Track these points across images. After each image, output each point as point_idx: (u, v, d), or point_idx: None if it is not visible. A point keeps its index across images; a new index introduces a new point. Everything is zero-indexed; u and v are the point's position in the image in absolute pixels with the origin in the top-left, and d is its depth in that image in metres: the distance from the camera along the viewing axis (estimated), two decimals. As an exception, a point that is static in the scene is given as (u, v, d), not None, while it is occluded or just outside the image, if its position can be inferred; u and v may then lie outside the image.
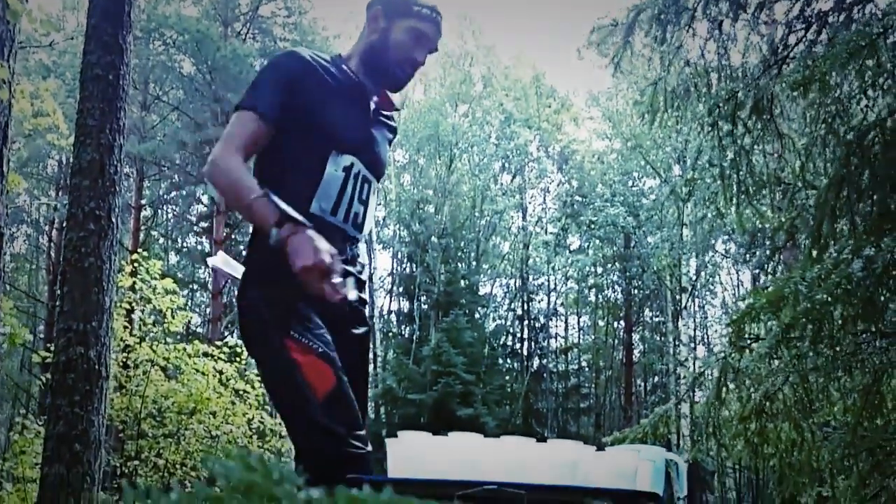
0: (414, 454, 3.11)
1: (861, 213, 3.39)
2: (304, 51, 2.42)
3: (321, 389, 2.13)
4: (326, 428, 2.12)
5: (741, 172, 4.51)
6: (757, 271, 20.58)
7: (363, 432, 2.21)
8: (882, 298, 1.24)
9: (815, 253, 3.61)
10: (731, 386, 4.81)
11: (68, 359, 6.21)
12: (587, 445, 3.36)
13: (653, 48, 4.53)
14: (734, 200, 4.59)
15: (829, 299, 1.28)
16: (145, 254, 10.67)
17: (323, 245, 2.05)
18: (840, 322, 1.30)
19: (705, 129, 4.35)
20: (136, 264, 10.30)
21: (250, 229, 2.39)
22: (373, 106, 2.47)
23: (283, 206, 2.11)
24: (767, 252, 5.04)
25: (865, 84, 3.65)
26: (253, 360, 2.43)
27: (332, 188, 2.32)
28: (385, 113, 2.55)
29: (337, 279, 2.04)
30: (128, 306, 10.32)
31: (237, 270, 2.45)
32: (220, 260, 2.55)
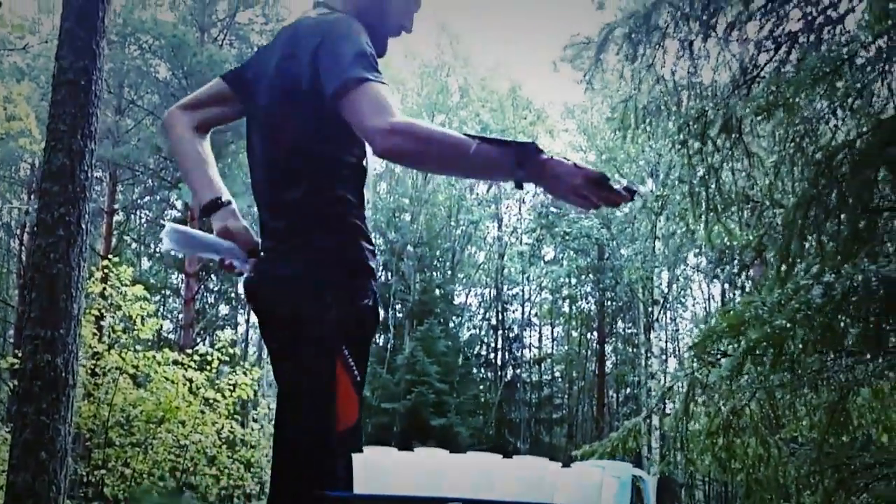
0: (380, 470, 3.12)
1: (829, 233, 3.43)
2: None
3: (343, 421, 1.97)
4: (329, 468, 1.97)
5: (710, 190, 4.55)
6: (726, 286, 20.77)
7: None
8: (842, 324, 1.26)
9: (783, 271, 3.66)
10: (699, 401, 4.84)
11: (35, 366, 6.14)
12: (552, 462, 3.38)
13: (624, 65, 4.57)
14: (703, 217, 4.63)
15: (789, 325, 1.30)
16: (116, 260, 10.59)
17: (574, 162, 1.87)
18: (801, 345, 1.32)
19: (675, 147, 4.40)
20: (106, 270, 10.21)
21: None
22: None
23: (507, 140, 1.87)
24: (736, 269, 5.10)
25: (833, 105, 3.71)
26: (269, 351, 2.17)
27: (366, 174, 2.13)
28: None
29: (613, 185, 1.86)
30: (97, 313, 10.22)
31: (194, 246, 2.18)
32: (171, 235, 2.14)
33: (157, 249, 28.07)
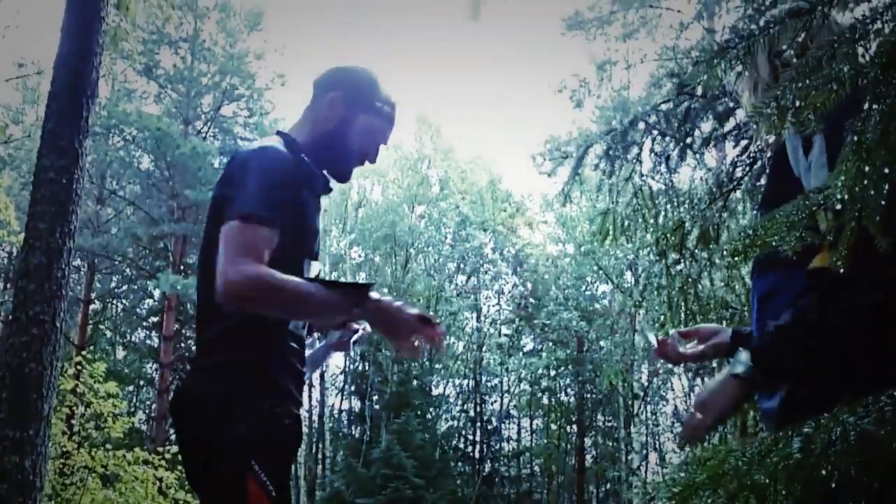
0: None
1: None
2: (281, 148, 2.14)
3: None
4: None
5: (689, 298, 4.60)
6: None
7: None
8: (824, 476, 1.25)
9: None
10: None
11: (2, 469, 5.98)
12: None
13: (602, 179, 4.66)
14: (682, 325, 4.66)
15: (768, 481, 1.29)
16: (90, 356, 10.44)
17: (397, 302, 2.02)
18: (784, 495, 1.31)
19: (653, 257, 4.46)
20: (79, 366, 10.06)
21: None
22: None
23: (343, 280, 2.00)
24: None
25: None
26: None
27: None
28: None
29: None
30: (68, 410, 10.02)
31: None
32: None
33: (133, 338, 27.76)
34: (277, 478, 2.02)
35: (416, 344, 2.04)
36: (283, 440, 2.08)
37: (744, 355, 1.75)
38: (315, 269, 2.21)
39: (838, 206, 1.51)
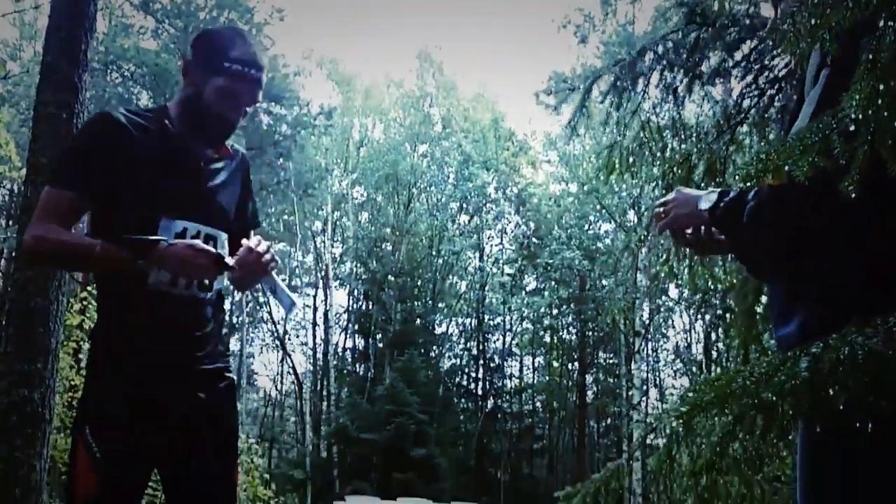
0: (362, 521, 3.10)
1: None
2: (117, 112, 2.30)
3: (81, 496, 2.15)
4: None
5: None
6: (709, 332, 20.82)
7: None
8: (829, 395, 1.25)
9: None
10: (683, 444, 4.82)
11: (10, 401, 6.05)
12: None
13: (609, 112, 4.60)
14: (686, 262, 4.65)
15: (776, 399, 1.30)
16: (95, 293, 10.46)
17: (196, 244, 2.15)
18: (791, 414, 1.32)
19: (660, 191, 4.43)
20: (85, 302, 10.10)
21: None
22: (204, 159, 2.36)
23: (133, 238, 2.13)
24: (719, 311, 5.12)
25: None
26: None
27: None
28: (220, 164, 2.41)
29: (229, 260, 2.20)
30: (75, 345, 10.08)
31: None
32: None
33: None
34: (113, 443, 2.15)
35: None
36: (116, 406, 2.18)
37: (714, 195, 1.77)
38: (178, 227, 2.25)
39: (851, 128, 1.48)
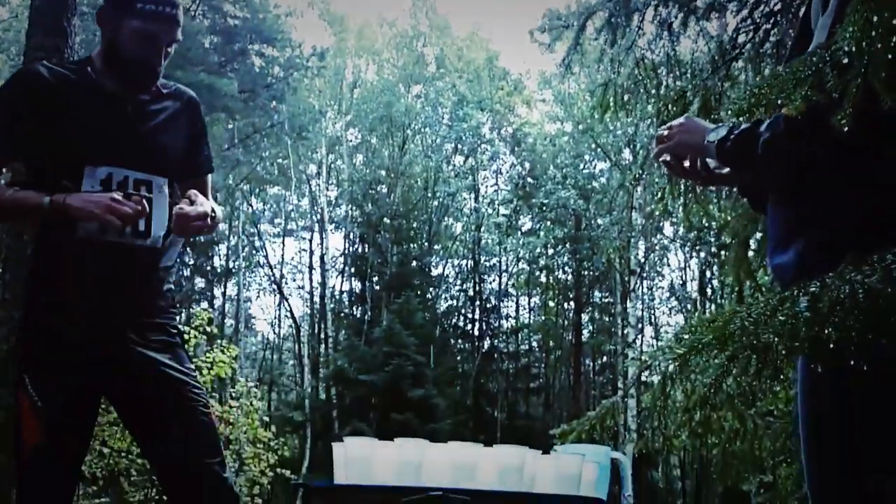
0: (359, 460, 3.13)
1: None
2: (36, 67, 2.34)
3: (29, 441, 2.18)
4: (24, 483, 2.18)
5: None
6: (704, 269, 20.88)
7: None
8: (828, 334, 1.26)
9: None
10: (677, 380, 4.87)
11: (10, 349, 6.10)
12: (532, 450, 3.41)
13: (603, 49, 4.55)
14: (681, 199, 4.65)
15: (774, 339, 1.30)
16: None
17: (95, 195, 2.16)
18: (785, 354, 1.32)
19: (654, 129, 4.41)
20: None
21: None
22: (133, 103, 2.34)
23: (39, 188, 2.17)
24: (713, 249, 5.13)
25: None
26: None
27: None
28: (154, 106, 2.39)
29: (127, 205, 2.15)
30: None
31: None
32: None
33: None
34: (52, 391, 2.19)
35: (114, 220, 2.13)
36: (50, 353, 2.23)
37: (723, 129, 1.73)
38: (103, 174, 2.26)
39: (845, 61, 1.46)
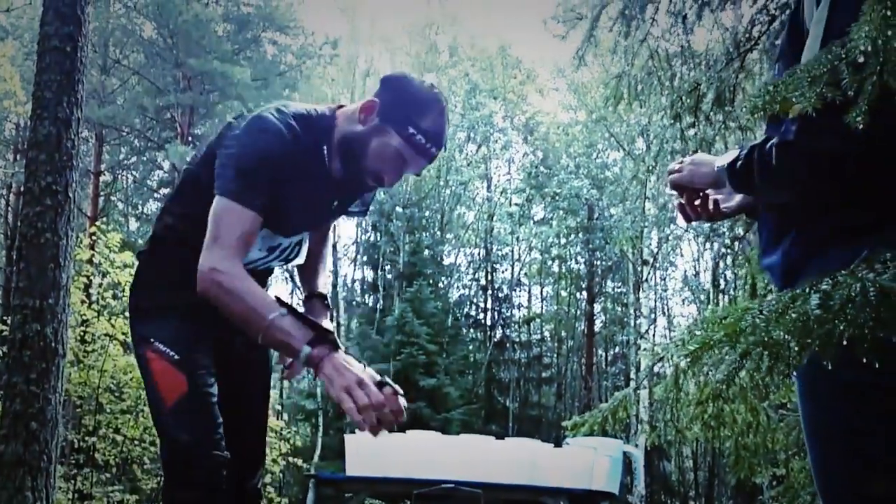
0: (372, 452, 3.14)
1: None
2: (285, 131, 2.08)
3: (170, 398, 2.16)
4: (172, 436, 2.16)
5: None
6: (717, 261, 20.76)
7: (218, 437, 2.18)
8: (840, 331, 1.25)
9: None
10: (689, 372, 4.84)
11: (24, 336, 6.14)
12: (544, 444, 3.41)
13: (617, 41, 4.52)
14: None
15: (786, 337, 1.29)
16: (104, 226, 10.51)
17: (356, 368, 1.84)
18: (797, 351, 1.32)
19: (668, 120, 4.38)
20: (94, 237, 10.15)
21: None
22: (339, 200, 2.31)
23: (312, 319, 1.94)
24: (727, 241, 5.10)
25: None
26: None
27: (247, 258, 2.15)
28: (356, 208, 2.43)
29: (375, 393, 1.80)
30: (86, 279, 10.17)
31: None
32: None
33: (145, 210, 27.92)
34: (185, 346, 2.22)
35: (366, 425, 1.81)
36: (177, 322, 2.25)
37: (733, 153, 1.74)
38: (275, 241, 2.27)
39: (860, 59, 1.45)
